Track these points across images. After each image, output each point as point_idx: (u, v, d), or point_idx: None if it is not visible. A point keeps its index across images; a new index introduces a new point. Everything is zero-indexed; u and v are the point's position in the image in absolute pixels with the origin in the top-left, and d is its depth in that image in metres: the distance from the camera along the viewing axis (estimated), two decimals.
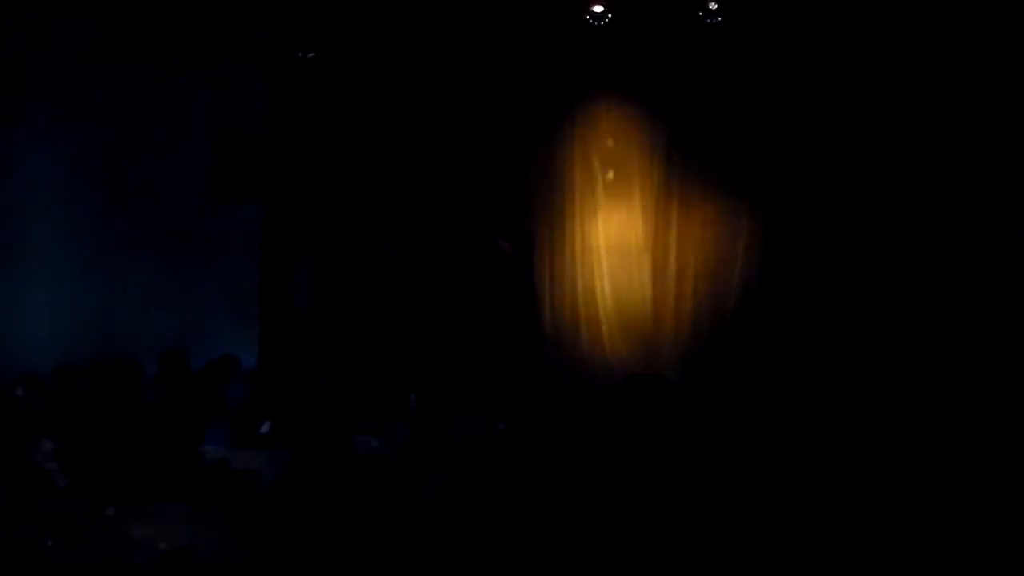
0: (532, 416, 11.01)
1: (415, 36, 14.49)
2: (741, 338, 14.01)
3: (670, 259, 14.48)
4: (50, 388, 11.35)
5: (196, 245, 14.13)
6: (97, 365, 11.74)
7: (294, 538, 7.75)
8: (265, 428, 11.18)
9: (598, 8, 13.66)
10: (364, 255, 14.80)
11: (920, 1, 13.42)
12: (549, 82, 14.63)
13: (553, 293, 14.79)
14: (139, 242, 13.85)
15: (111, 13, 13.52)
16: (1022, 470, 9.20)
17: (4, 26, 13.17)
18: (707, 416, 10.72)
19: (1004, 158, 13.36)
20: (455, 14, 14.30)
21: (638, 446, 9.48)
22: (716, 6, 13.51)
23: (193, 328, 13.81)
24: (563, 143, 14.80)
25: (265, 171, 14.59)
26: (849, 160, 13.85)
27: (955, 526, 7.92)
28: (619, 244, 14.65)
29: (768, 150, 14.14)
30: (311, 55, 14.31)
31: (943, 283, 13.48)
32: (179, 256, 14.04)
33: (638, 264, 14.56)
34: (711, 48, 14.11)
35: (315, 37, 14.37)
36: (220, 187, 14.35)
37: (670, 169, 14.55)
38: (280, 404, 11.63)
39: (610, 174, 14.73)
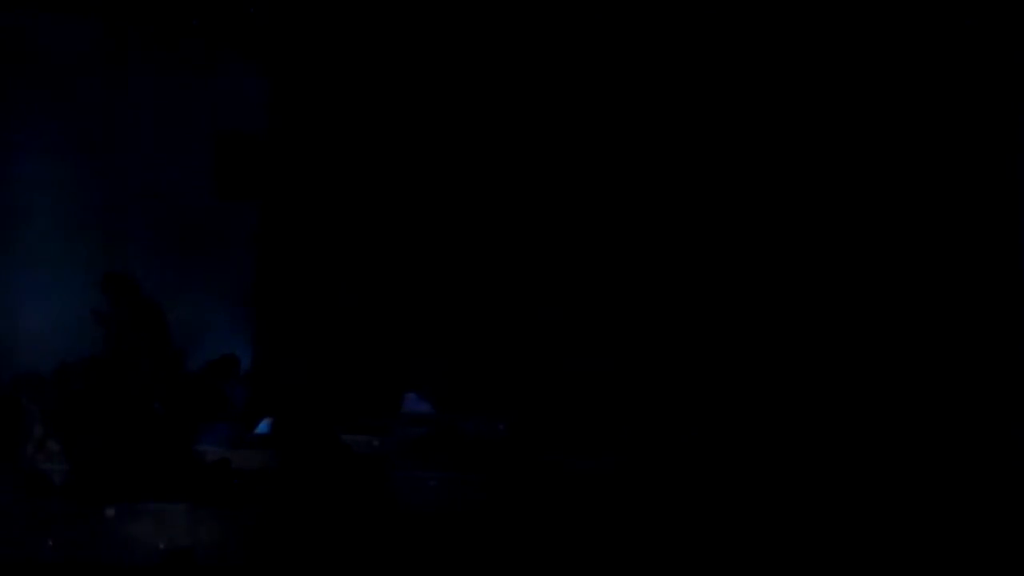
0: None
1: (418, 36, 14.48)
2: (742, 340, 14.02)
3: None
4: (51, 388, 11.34)
5: (196, 245, 14.13)
6: (96, 365, 11.74)
7: (294, 538, 7.75)
8: (264, 427, 11.18)
9: None
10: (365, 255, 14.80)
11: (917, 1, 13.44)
12: (552, 83, 14.63)
13: None
14: (139, 242, 13.85)
15: (111, 12, 13.53)
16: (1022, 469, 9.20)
17: (4, 25, 13.17)
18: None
19: (1003, 159, 13.36)
20: (460, 13, 14.29)
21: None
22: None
23: (193, 328, 13.80)
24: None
25: (266, 172, 14.59)
26: (849, 161, 13.86)
27: (955, 525, 7.92)
28: None
29: (765, 151, 14.14)
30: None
31: (942, 283, 13.48)
32: (179, 256, 14.04)
33: None
34: (708, 48, 14.13)
35: (317, 37, 14.36)
36: (220, 187, 14.34)
37: None
38: (278, 404, 11.64)
39: None
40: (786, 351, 13.65)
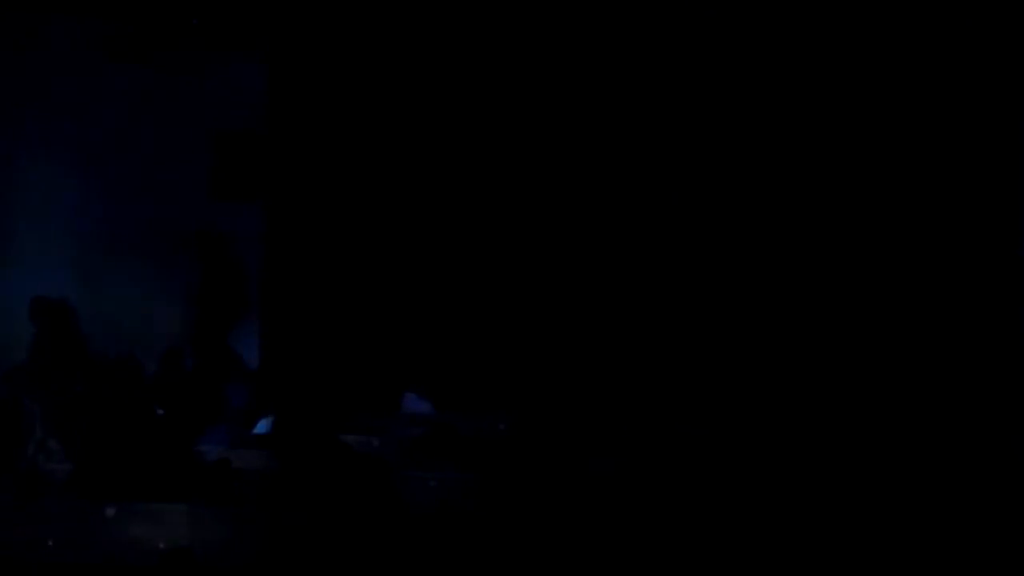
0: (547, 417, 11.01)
1: (418, 35, 14.48)
2: (741, 341, 14.01)
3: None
4: (51, 388, 11.33)
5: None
6: (95, 364, 11.73)
7: (294, 538, 7.75)
8: (264, 427, 11.17)
9: None
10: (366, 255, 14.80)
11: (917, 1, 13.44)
12: (553, 83, 14.63)
13: None
14: (139, 242, 13.85)
15: (111, 13, 13.53)
16: (1022, 469, 9.20)
17: (3, 25, 13.17)
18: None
19: (1004, 159, 13.36)
20: (460, 12, 14.29)
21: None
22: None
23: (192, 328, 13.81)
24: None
25: (265, 172, 14.59)
26: (850, 161, 13.86)
27: (955, 526, 7.92)
28: None
29: (766, 150, 14.14)
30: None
31: (943, 283, 13.48)
32: (178, 256, 14.04)
33: None
34: (708, 48, 14.13)
35: (317, 36, 14.36)
36: (220, 187, 14.34)
37: None
38: (278, 404, 11.62)
39: None
40: (787, 351, 13.65)
